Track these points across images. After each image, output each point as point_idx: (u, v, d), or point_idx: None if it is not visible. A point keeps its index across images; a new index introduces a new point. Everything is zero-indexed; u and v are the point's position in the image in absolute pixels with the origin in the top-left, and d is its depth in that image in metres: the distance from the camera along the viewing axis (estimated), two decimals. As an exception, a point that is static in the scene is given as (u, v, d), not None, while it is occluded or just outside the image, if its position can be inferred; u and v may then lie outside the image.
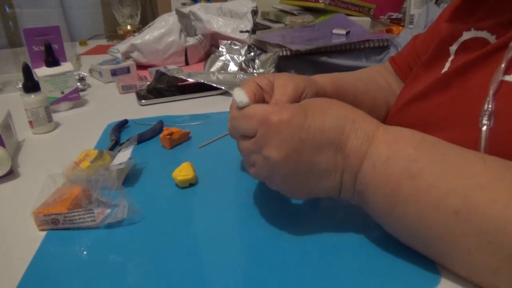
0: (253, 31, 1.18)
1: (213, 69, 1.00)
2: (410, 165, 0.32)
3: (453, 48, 0.45)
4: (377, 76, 0.61)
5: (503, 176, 0.30)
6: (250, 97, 0.39)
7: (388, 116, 0.53)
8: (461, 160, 0.32)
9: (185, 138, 0.63)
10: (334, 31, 1.04)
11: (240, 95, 0.38)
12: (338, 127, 0.35)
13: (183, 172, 0.49)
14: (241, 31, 1.14)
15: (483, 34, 0.42)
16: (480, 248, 0.29)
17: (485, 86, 0.37)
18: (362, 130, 0.35)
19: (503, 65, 0.36)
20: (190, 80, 0.88)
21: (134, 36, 1.16)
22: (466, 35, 0.44)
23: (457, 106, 0.40)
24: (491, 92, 0.36)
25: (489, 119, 0.36)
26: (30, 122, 0.69)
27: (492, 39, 0.41)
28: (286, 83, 0.42)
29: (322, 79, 0.50)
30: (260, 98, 0.41)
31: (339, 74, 0.55)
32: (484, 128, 0.36)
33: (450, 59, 0.45)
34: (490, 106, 0.36)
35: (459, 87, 0.41)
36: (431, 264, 0.34)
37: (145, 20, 1.60)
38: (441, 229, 0.30)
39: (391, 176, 0.33)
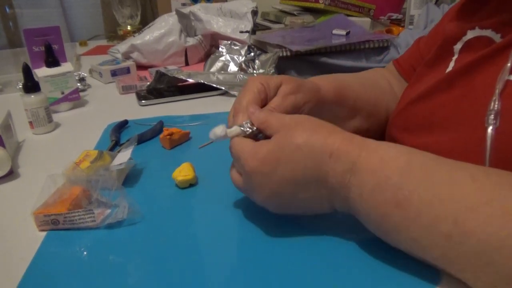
0: (253, 31, 1.18)
1: (213, 69, 1.00)
2: (397, 193, 0.31)
3: (457, 47, 0.45)
4: (380, 79, 0.60)
5: (493, 195, 0.29)
6: (253, 95, 0.41)
7: (392, 115, 0.52)
8: (449, 181, 0.31)
9: (185, 138, 0.63)
10: (334, 31, 1.04)
11: (214, 133, 0.40)
12: (313, 166, 0.34)
13: (183, 172, 0.49)
14: (241, 32, 1.14)
15: (488, 32, 0.42)
16: (476, 269, 0.29)
17: (490, 85, 0.37)
18: (340, 164, 0.34)
19: (509, 64, 0.36)
20: (190, 80, 0.88)
21: (134, 36, 1.16)
22: (471, 34, 0.44)
23: (462, 105, 0.40)
24: (497, 91, 0.36)
25: (495, 119, 0.35)
26: (30, 123, 0.69)
27: (497, 38, 0.40)
28: (286, 97, 0.43)
29: (326, 86, 0.49)
30: (264, 98, 0.43)
31: (342, 78, 0.54)
32: (490, 127, 0.35)
33: (454, 58, 0.45)
34: (496, 105, 0.35)
35: (463, 87, 0.41)
36: (430, 267, 0.34)
37: (145, 21, 1.60)
38: (436, 252, 0.30)
39: (378, 206, 0.32)
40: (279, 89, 0.43)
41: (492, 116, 0.36)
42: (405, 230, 0.31)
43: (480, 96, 0.38)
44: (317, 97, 0.46)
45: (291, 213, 0.39)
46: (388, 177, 0.32)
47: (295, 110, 0.43)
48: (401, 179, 0.32)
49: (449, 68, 0.45)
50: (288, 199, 0.37)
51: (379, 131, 0.56)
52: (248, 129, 0.39)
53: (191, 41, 1.15)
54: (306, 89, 0.44)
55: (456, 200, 0.29)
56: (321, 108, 0.47)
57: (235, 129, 0.40)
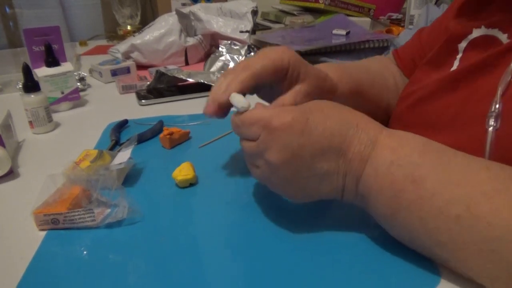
0: (253, 31, 1.18)
1: (213, 69, 1.00)
2: (414, 170, 0.32)
3: (462, 45, 0.44)
4: (385, 74, 0.59)
5: (507, 185, 0.29)
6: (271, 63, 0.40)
7: (394, 113, 0.52)
8: (465, 167, 0.31)
9: (185, 138, 0.63)
10: (334, 31, 1.04)
11: (240, 101, 0.38)
12: (341, 132, 0.35)
13: (183, 172, 0.49)
14: (241, 31, 1.14)
15: (494, 32, 0.41)
16: (482, 256, 0.28)
17: (493, 87, 0.36)
18: (365, 134, 0.35)
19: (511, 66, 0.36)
20: (190, 80, 0.87)
21: (134, 36, 1.16)
22: (476, 33, 0.43)
23: (465, 106, 0.40)
24: (499, 93, 0.36)
25: (495, 121, 0.35)
26: (30, 122, 0.69)
27: (503, 38, 0.40)
28: (302, 98, 0.42)
29: (337, 76, 0.48)
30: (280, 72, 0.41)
31: (350, 71, 0.53)
32: (491, 129, 0.35)
33: (458, 56, 0.44)
34: (497, 107, 0.35)
35: (468, 87, 0.40)
36: (431, 264, 0.34)
37: (145, 21, 1.60)
38: (443, 236, 0.30)
39: (393, 181, 0.32)
40: (296, 86, 0.43)
41: (492, 118, 0.35)
42: (417, 209, 0.31)
43: (483, 97, 0.38)
44: (318, 77, 0.45)
45: (298, 192, 0.38)
46: (407, 155, 0.33)
47: (277, 67, 0.42)
48: (419, 158, 0.32)
49: (454, 67, 0.44)
50: (306, 167, 0.35)
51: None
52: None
53: (191, 41, 1.15)
54: (318, 84, 0.44)
55: (472, 185, 0.30)
56: (329, 97, 0.46)
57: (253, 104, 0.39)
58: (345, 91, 0.49)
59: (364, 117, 0.36)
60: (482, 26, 0.42)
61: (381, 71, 0.59)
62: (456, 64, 0.44)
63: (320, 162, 0.35)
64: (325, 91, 0.45)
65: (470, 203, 0.29)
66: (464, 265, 0.30)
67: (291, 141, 0.34)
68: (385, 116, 0.56)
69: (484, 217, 0.28)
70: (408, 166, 0.32)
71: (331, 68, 0.49)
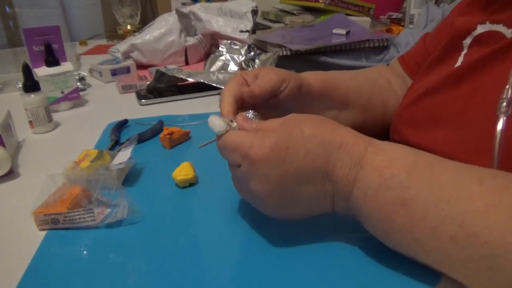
0: (253, 31, 1.18)
1: (213, 68, 1.00)
2: (403, 192, 0.31)
3: (467, 41, 0.44)
4: (375, 76, 0.60)
5: (500, 198, 0.28)
6: (230, 110, 0.40)
7: (398, 110, 0.51)
8: (455, 182, 0.30)
9: (185, 137, 0.63)
10: (334, 31, 1.04)
11: (216, 125, 0.37)
12: (324, 155, 0.34)
13: (183, 172, 0.49)
14: (241, 31, 1.14)
15: (499, 27, 0.41)
16: (479, 273, 0.28)
17: (501, 81, 0.36)
18: (348, 156, 0.33)
19: None
20: (190, 80, 0.88)
21: (134, 36, 1.16)
22: (481, 29, 0.43)
23: (471, 101, 0.39)
24: (511, 80, 0.35)
25: (507, 106, 0.34)
26: (30, 122, 0.69)
27: (508, 33, 0.39)
28: (269, 73, 0.43)
29: (311, 76, 0.49)
30: (240, 100, 0.42)
31: (333, 72, 0.54)
32: (502, 116, 0.35)
33: (463, 53, 0.44)
34: (510, 92, 0.35)
35: (473, 82, 0.40)
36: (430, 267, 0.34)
37: (145, 20, 1.60)
38: (439, 255, 0.30)
39: (383, 205, 0.32)
40: (258, 74, 0.44)
41: (504, 104, 0.35)
42: (409, 231, 0.31)
43: (490, 91, 0.37)
44: (299, 81, 0.45)
45: (288, 214, 0.38)
46: (395, 175, 0.32)
47: (274, 88, 0.43)
48: (408, 178, 0.31)
49: (458, 63, 0.44)
50: (291, 193, 0.35)
51: (375, 127, 0.55)
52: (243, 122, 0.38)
53: (191, 40, 1.15)
54: (283, 70, 0.45)
55: (463, 202, 0.29)
56: (309, 98, 0.47)
57: (233, 124, 0.38)
58: (327, 86, 0.50)
59: (348, 133, 0.35)
60: (487, 22, 0.42)
61: (369, 74, 0.60)
62: (460, 60, 0.44)
63: (305, 187, 0.34)
64: (303, 85, 0.46)
65: (464, 221, 0.28)
66: (463, 280, 0.30)
67: (272, 172, 0.34)
68: (383, 114, 0.56)
69: (479, 235, 0.27)
70: (396, 188, 0.31)
71: (310, 72, 0.50)
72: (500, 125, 0.35)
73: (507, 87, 0.35)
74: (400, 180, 0.31)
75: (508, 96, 0.35)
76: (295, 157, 0.33)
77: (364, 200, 0.33)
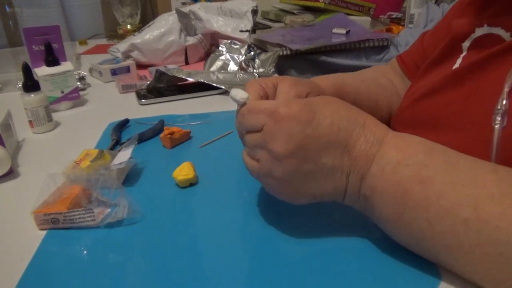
0: (253, 30, 1.18)
1: (213, 68, 1.00)
2: (421, 170, 0.31)
3: (466, 44, 0.44)
4: (380, 77, 0.60)
5: None
6: (255, 97, 0.39)
7: (396, 112, 0.52)
8: (472, 169, 0.31)
9: (185, 137, 0.63)
10: (334, 30, 1.04)
11: (238, 93, 0.38)
12: (348, 128, 0.34)
13: (183, 171, 0.49)
14: (241, 31, 1.14)
15: (497, 30, 0.41)
16: (488, 260, 0.28)
17: (499, 84, 0.36)
18: (371, 133, 0.34)
19: None
20: (190, 79, 0.87)
21: (134, 35, 1.15)
22: (479, 31, 0.43)
23: (469, 104, 0.39)
24: (505, 90, 0.35)
25: (502, 118, 0.35)
26: (30, 122, 0.69)
27: (506, 36, 0.40)
28: (289, 90, 0.41)
29: (324, 82, 0.49)
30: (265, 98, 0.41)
31: (341, 76, 0.54)
32: (497, 126, 0.35)
33: (462, 55, 0.44)
34: (504, 103, 0.35)
35: (471, 85, 0.40)
36: (431, 266, 0.34)
37: (145, 20, 1.60)
38: (450, 239, 0.30)
39: (400, 181, 0.32)
40: (278, 87, 0.42)
41: (499, 116, 0.35)
42: (424, 210, 0.31)
43: (488, 95, 0.37)
44: (318, 90, 0.45)
45: (301, 192, 0.36)
46: (414, 155, 0.32)
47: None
48: (426, 158, 0.32)
49: (456, 65, 0.44)
50: (310, 160, 0.34)
51: None
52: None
53: (191, 40, 1.15)
54: (304, 82, 0.44)
55: (479, 187, 0.29)
56: None
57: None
58: (339, 92, 0.50)
59: (371, 117, 0.36)
60: (485, 25, 0.42)
61: (374, 75, 0.60)
62: (458, 62, 0.44)
63: (325, 157, 0.34)
64: (320, 93, 0.45)
65: (478, 205, 0.28)
66: (469, 269, 0.30)
67: (298, 131, 0.33)
68: (388, 116, 0.56)
69: (492, 220, 0.28)
70: (415, 166, 0.32)
71: (322, 78, 0.50)
72: (496, 134, 0.35)
73: (502, 97, 0.35)
74: (419, 159, 0.32)
75: (503, 108, 0.35)
76: (320, 124, 0.34)
77: (382, 176, 0.33)
